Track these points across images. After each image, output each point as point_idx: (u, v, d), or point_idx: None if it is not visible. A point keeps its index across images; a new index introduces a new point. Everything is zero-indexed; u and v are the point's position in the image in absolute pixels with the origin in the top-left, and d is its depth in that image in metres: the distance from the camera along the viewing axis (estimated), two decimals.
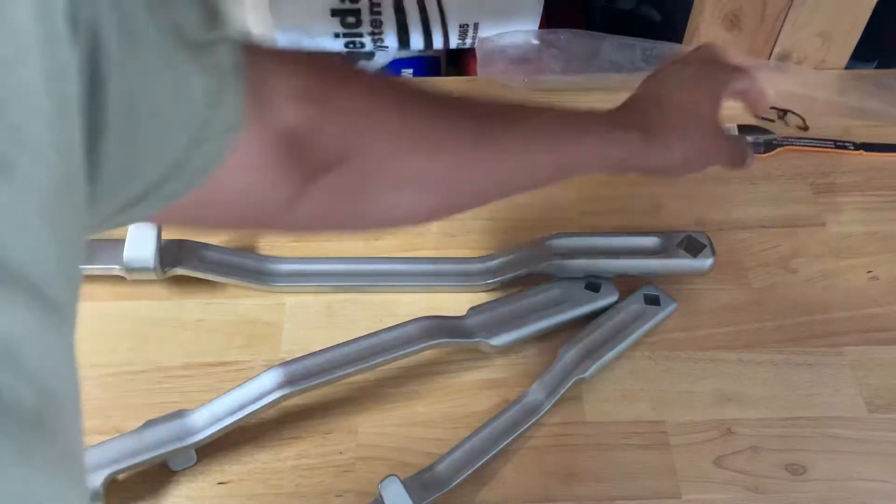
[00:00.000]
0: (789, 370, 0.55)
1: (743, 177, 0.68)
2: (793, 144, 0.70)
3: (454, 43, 0.78)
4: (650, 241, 0.58)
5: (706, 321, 0.58)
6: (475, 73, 0.78)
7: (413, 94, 0.38)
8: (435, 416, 0.53)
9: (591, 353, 0.53)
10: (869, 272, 0.61)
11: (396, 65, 1.02)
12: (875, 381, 0.54)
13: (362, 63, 0.81)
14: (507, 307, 0.56)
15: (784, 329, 0.57)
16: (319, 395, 0.53)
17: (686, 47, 0.76)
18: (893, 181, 0.68)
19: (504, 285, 0.59)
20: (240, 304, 0.58)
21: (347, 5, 0.72)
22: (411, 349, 0.52)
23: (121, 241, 0.56)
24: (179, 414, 0.49)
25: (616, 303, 0.57)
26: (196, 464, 0.49)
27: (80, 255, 0.22)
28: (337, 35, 0.74)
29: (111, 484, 0.47)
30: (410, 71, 1.02)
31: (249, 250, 0.61)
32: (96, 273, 0.58)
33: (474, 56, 0.77)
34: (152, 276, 0.57)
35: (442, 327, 0.54)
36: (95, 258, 0.58)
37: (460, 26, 0.76)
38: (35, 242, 0.19)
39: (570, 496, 0.49)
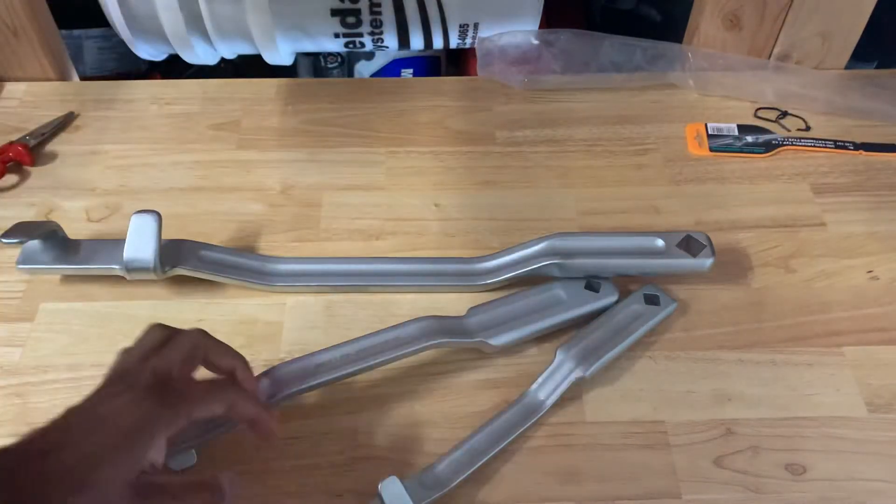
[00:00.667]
0: (789, 370, 0.55)
1: (742, 177, 0.68)
2: (793, 144, 0.71)
3: (454, 43, 0.78)
4: (650, 241, 0.58)
5: (706, 321, 0.58)
6: (475, 73, 0.78)
7: None
8: (435, 416, 0.53)
9: (591, 353, 0.53)
10: (869, 272, 0.61)
11: (396, 65, 1.02)
12: (875, 381, 0.54)
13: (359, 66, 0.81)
14: (507, 307, 0.56)
15: (784, 329, 0.57)
16: (319, 395, 0.53)
17: (686, 47, 0.76)
18: (893, 181, 0.68)
19: (504, 285, 0.59)
20: (240, 304, 0.59)
21: (347, 5, 0.72)
22: (411, 349, 0.52)
23: (121, 241, 0.56)
24: None
25: (616, 303, 0.57)
26: (196, 464, 0.49)
27: None
28: (337, 35, 0.75)
29: None
30: (410, 71, 1.02)
31: (249, 250, 0.61)
32: (96, 273, 0.58)
33: (474, 56, 0.77)
34: (152, 276, 0.57)
35: (442, 327, 0.54)
36: (95, 258, 0.58)
37: (460, 26, 0.76)
38: None
39: (569, 496, 0.49)
